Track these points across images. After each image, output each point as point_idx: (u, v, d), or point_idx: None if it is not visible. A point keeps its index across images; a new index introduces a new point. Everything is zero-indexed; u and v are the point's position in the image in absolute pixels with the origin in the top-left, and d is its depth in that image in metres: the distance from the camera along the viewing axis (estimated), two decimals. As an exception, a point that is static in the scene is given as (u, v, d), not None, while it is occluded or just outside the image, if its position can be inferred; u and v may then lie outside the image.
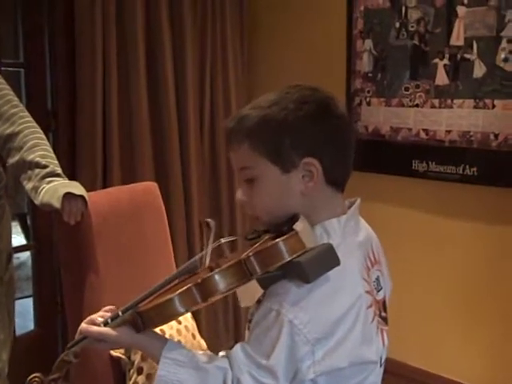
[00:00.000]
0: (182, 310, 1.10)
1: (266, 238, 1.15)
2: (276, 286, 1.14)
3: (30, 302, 3.39)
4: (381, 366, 1.27)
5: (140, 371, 1.95)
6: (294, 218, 1.16)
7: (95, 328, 1.20)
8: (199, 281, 1.10)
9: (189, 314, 2.20)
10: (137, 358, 1.96)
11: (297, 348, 1.09)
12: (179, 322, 2.10)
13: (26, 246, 3.88)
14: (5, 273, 2.20)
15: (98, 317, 1.25)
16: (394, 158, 2.82)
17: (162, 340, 1.17)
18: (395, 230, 2.79)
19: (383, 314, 1.28)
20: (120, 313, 1.19)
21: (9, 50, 3.20)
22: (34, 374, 1.25)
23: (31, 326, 3.24)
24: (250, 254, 1.09)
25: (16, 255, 2.49)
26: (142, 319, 1.13)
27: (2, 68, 2.56)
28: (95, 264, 1.98)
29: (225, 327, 3.34)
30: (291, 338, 1.09)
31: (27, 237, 4.69)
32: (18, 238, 4.12)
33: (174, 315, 1.13)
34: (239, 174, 1.24)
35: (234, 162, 1.25)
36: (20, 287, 3.87)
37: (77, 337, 1.24)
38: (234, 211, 3.23)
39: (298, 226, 1.13)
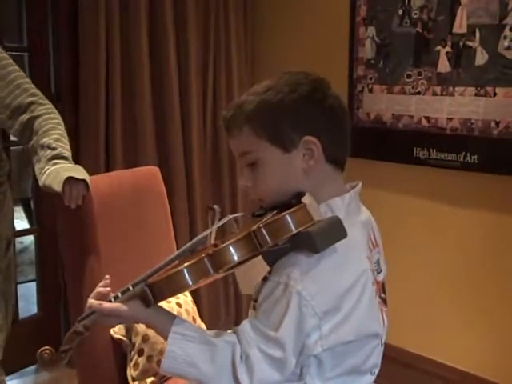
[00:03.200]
0: (192, 280, 1.11)
1: (274, 213, 1.17)
2: (283, 260, 1.16)
3: (33, 285, 3.42)
4: (382, 345, 1.30)
5: (141, 353, 1.98)
6: (300, 194, 1.19)
7: (106, 304, 1.20)
8: (210, 252, 1.12)
9: (190, 298, 2.22)
10: (138, 339, 1.98)
11: (305, 320, 1.10)
12: (180, 306, 2.11)
13: (29, 230, 3.89)
14: (2, 260, 2.18)
15: (97, 293, 1.25)
16: (396, 145, 2.81)
17: (171, 316, 1.19)
18: (396, 217, 2.80)
19: (383, 295, 1.31)
20: (130, 287, 1.19)
21: (12, 33, 3.20)
22: (45, 347, 1.25)
23: (34, 309, 3.27)
24: (261, 225, 1.11)
25: (19, 239, 2.49)
26: (153, 292, 1.14)
27: (6, 52, 2.55)
28: (96, 247, 1.99)
29: (226, 312, 3.36)
30: (299, 309, 1.10)
31: (30, 221, 4.71)
32: (21, 223, 4.14)
33: (184, 286, 1.13)
34: (240, 160, 1.26)
35: (235, 148, 1.27)
36: (23, 271, 3.91)
37: (86, 311, 1.24)
38: (235, 196, 3.26)
39: (306, 199, 1.16)
